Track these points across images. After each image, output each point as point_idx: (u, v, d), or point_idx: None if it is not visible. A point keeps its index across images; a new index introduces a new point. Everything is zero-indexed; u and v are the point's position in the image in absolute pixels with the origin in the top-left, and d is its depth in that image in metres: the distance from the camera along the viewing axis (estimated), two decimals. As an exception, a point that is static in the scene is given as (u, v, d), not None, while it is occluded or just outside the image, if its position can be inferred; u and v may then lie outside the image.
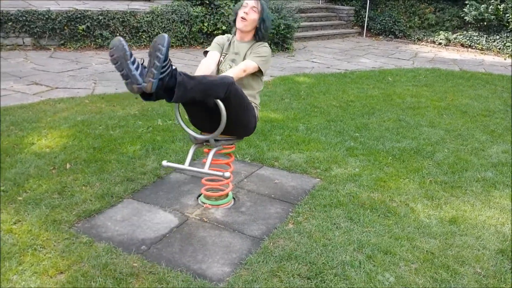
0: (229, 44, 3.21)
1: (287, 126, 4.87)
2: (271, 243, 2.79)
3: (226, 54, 3.19)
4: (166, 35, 2.37)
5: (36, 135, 4.23)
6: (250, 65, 2.99)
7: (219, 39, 3.25)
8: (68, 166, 3.65)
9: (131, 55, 2.35)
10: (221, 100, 2.66)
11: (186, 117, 3.02)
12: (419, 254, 2.74)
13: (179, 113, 2.95)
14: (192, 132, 2.93)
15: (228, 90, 2.64)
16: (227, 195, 3.27)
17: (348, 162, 4.05)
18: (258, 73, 3.08)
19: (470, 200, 3.47)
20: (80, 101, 5.38)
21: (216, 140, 2.92)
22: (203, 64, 3.07)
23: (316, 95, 6.22)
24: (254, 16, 3.06)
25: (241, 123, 2.94)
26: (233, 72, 2.92)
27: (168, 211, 3.12)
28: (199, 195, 3.33)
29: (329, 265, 2.59)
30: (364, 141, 4.57)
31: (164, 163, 2.86)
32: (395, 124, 5.14)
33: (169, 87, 2.47)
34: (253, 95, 3.11)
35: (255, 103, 3.11)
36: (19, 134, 4.22)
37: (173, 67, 2.50)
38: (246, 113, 2.93)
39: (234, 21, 3.14)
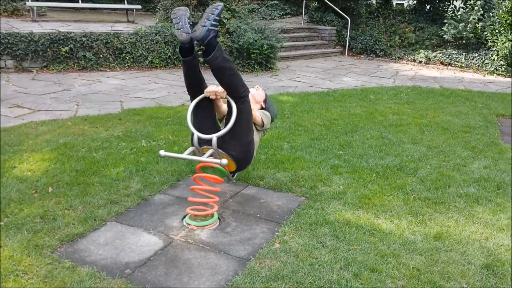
0: None
1: (271, 145, 4.89)
2: (258, 264, 2.77)
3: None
4: (221, 5, 2.97)
5: (18, 158, 4.17)
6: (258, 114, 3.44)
7: None
8: (50, 189, 3.60)
9: (188, 17, 3.01)
10: (235, 100, 3.10)
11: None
12: (405, 270, 2.75)
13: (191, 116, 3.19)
14: (197, 131, 3.13)
15: (245, 95, 3.13)
16: (212, 215, 3.25)
17: (333, 180, 4.07)
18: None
19: (454, 215, 3.50)
20: (63, 123, 5.33)
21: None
22: None
23: (300, 114, 6.26)
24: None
25: (243, 141, 3.20)
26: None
27: (152, 233, 3.09)
28: (184, 217, 3.30)
29: (316, 284, 2.58)
30: (348, 158, 4.60)
31: (162, 152, 3.05)
32: (378, 142, 5.19)
33: (210, 45, 2.94)
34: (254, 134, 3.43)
35: (255, 140, 3.42)
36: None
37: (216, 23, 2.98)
38: (249, 135, 3.24)
39: None
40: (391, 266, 2.79)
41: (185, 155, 3.08)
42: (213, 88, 3.17)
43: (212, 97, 3.19)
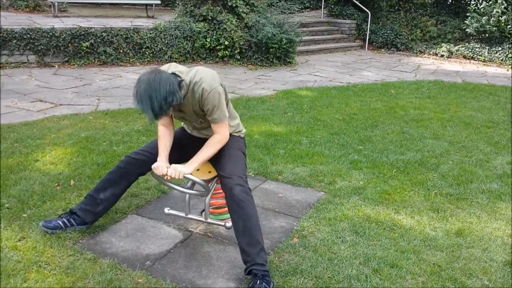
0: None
1: (290, 140, 4.87)
2: (276, 258, 2.77)
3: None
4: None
5: (40, 152, 4.24)
6: (224, 127, 2.69)
7: None
8: (72, 182, 3.66)
9: None
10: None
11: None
12: (426, 267, 2.72)
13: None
14: (178, 187, 2.88)
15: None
16: (231, 209, 3.25)
17: (352, 175, 4.04)
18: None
19: (476, 212, 3.44)
20: (84, 117, 5.40)
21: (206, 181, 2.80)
22: (163, 137, 2.81)
23: (319, 109, 6.23)
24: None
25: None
26: (218, 144, 2.69)
27: (172, 226, 3.11)
28: (203, 210, 3.31)
29: (335, 279, 2.57)
30: (368, 153, 4.56)
31: (166, 210, 2.99)
32: (398, 137, 5.13)
33: None
34: (233, 125, 2.90)
35: (240, 133, 2.97)
36: (23, 151, 4.24)
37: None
38: (239, 157, 2.84)
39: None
40: (411, 262, 2.76)
41: (188, 216, 2.98)
42: (163, 170, 2.59)
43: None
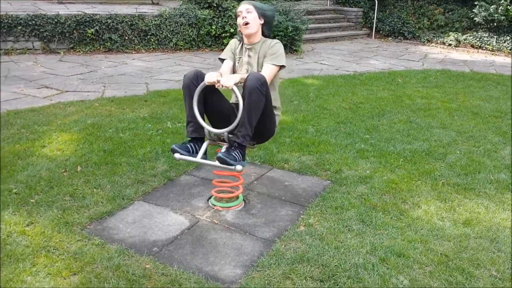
0: (241, 48, 3.28)
1: (296, 128, 4.85)
2: (283, 245, 2.77)
3: (240, 57, 3.26)
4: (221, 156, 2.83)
5: (47, 138, 4.25)
6: (269, 70, 3.09)
7: (232, 45, 3.32)
8: (79, 168, 3.66)
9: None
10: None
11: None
12: (433, 256, 2.71)
13: (197, 107, 2.95)
14: (207, 126, 2.99)
15: (265, 90, 2.86)
16: (237, 197, 3.26)
17: (359, 164, 4.02)
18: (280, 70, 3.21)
19: (483, 202, 3.43)
20: (90, 104, 5.40)
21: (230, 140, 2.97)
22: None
23: (325, 97, 6.19)
24: (253, 16, 3.13)
25: (261, 129, 3.05)
26: (257, 74, 2.91)
27: (179, 213, 3.12)
28: (210, 197, 3.32)
29: (342, 268, 2.57)
30: (374, 143, 4.54)
31: (177, 155, 2.97)
32: (405, 126, 5.10)
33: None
34: (275, 99, 3.22)
35: (277, 112, 3.26)
36: (30, 137, 4.24)
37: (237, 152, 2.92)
38: (268, 119, 3.08)
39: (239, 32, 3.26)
40: (418, 251, 2.75)
41: (199, 159, 2.97)
42: (213, 78, 2.86)
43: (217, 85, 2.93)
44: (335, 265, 2.59)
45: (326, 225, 3.00)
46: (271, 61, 3.12)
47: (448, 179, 3.79)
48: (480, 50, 11.43)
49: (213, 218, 3.07)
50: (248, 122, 2.86)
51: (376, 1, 12.79)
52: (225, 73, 3.13)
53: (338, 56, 9.81)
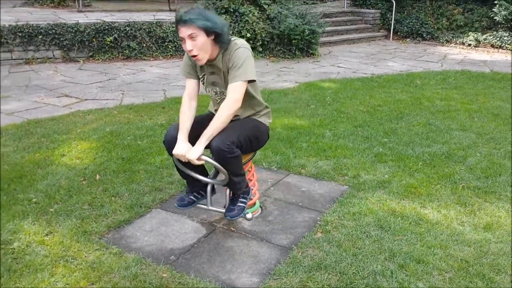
0: (201, 67, 2.76)
1: (313, 133, 4.83)
2: (300, 253, 2.75)
3: (203, 76, 2.80)
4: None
5: (67, 146, 4.31)
6: (238, 90, 2.58)
7: (188, 61, 2.79)
8: (97, 177, 3.71)
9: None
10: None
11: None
12: (453, 262, 2.66)
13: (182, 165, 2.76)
14: (202, 177, 2.84)
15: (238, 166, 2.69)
16: (254, 203, 3.25)
17: (377, 168, 3.98)
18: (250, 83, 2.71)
19: (504, 205, 3.35)
20: (109, 112, 5.47)
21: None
22: (184, 112, 2.77)
23: (342, 101, 6.15)
24: (199, 43, 2.50)
25: (254, 146, 2.91)
26: (227, 110, 2.58)
27: (195, 220, 3.13)
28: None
29: (360, 275, 2.54)
30: (393, 146, 4.49)
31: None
32: (424, 129, 5.03)
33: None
34: (258, 111, 2.91)
35: (264, 113, 2.94)
36: (50, 146, 4.32)
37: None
38: (261, 137, 2.89)
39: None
40: (438, 257, 2.70)
41: (210, 207, 2.95)
42: (181, 152, 2.57)
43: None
44: (353, 273, 2.56)
45: (344, 232, 2.97)
46: (234, 78, 2.57)
47: (468, 182, 3.72)
48: (500, 50, 11.21)
49: (230, 226, 3.07)
50: (234, 176, 2.70)
51: (394, 2, 12.67)
52: (192, 98, 2.79)
53: (356, 59, 9.74)
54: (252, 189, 3.08)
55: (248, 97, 2.78)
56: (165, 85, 6.93)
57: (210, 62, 2.67)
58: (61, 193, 3.40)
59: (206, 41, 2.51)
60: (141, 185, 3.58)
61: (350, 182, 3.71)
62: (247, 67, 2.58)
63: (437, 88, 7.03)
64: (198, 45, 2.50)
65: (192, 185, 2.94)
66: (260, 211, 3.27)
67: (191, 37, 2.48)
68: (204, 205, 2.96)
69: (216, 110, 2.79)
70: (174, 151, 2.60)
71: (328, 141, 4.59)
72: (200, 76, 2.83)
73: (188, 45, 2.51)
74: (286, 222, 3.12)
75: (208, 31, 2.50)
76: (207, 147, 2.62)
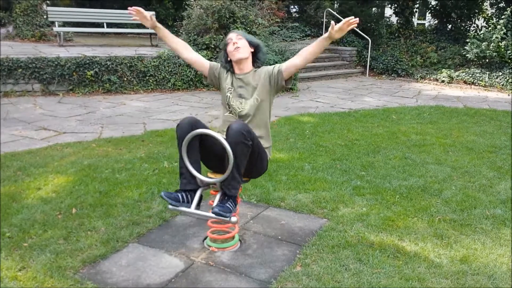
0: (232, 79, 3.13)
1: (292, 166, 4.87)
2: (279, 287, 2.73)
3: (231, 88, 3.11)
4: (216, 210, 2.78)
5: (43, 180, 4.25)
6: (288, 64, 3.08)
7: (217, 67, 3.21)
8: (74, 211, 3.65)
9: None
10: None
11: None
12: (431, 295, 2.67)
13: (187, 156, 2.91)
14: (199, 175, 2.92)
15: (251, 138, 2.78)
16: (233, 237, 3.23)
17: (355, 201, 4.02)
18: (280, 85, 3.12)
19: (480, 238, 3.41)
20: (87, 145, 5.43)
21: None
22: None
23: (321, 134, 6.24)
24: (243, 42, 3.06)
25: (252, 169, 3.00)
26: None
27: (173, 255, 3.09)
28: (205, 238, 3.30)
29: (338, 309, 2.53)
30: (370, 179, 4.55)
31: (170, 206, 2.89)
32: (401, 162, 5.12)
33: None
34: (266, 134, 3.14)
35: (267, 146, 3.14)
36: (25, 179, 4.25)
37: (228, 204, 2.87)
38: (260, 160, 3.00)
39: (226, 60, 3.14)
40: (416, 290, 2.72)
41: (193, 210, 2.92)
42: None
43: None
44: (332, 306, 2.55)
45: (323, 265, 2.97)
46: (280, 64, 3.09)
47: (444, 215, 3.78)
48: (473, 86, 11.60)
49: (208, 260, 3.04)
50: (237, 172, 2.82)
51: (370, 40, 13.08)
52: (191, 52, 3.22)
53: (333, 94, 9.94)
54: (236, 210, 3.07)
55: (263, 116, 3.10)
56: (145, 118, 6.94)
57: (241, 75, 3.11)
58: (36, 228, 3.33)
59: (248, 46, 3.09)
60: (118, 219, 3.53)
61: (329, 215, 3.74)
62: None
63: (413, 122, 7.20)
64: (242, 43, 3.06)
65: (185, 182, 2.94)
66: (239, 244, 3.25)
67: (238, 37, 3.07)
68: (188, 208, 2.91)
69: (223, 131, 2.97)
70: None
71: (307, 174, 4.63)
72: (228, 87, 3.13)
73: (234, 39, 3.05)
74: (265, 256, 3.11)
75: (250, 43, 3.12)
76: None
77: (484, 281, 2.83)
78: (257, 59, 3.15)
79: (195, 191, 2.97)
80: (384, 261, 3.03)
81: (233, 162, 2.73)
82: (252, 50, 3.12)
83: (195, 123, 2.86)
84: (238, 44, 3.03)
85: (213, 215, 2.81)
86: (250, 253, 3.14)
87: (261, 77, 3.08)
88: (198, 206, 2.94)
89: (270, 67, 3.12)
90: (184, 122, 2.87)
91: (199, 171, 2.93)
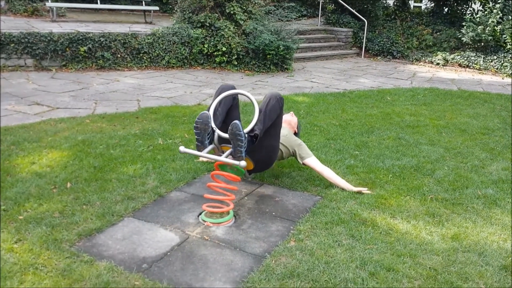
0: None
1: (287, 145, 4.88)
2: (273, 261, 2.77)
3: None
4: (237, 122, 3.08)
5: (37, 154, 4.24)
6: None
7: None
8: (68, 185, 3.65)
9: (209, 132, 3.20)
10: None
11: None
12: (422, 270, 2.73)
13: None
14: (218, 130, 3.33)
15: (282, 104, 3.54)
16: (228, 212, 3.26)
17: (349, 180, 4.05)
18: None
19: (471, 217, 3.46)
20: (81, 120, 5.40)
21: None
22: None
23: (315, 114, 6.25)
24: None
25: (266, 144, 3.46)
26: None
27: (169, 229, 3.11)
28: (200, 213, 3.32)
29: (332, 283, 2.57)
30: (364, 159, 4.58)
31: (181, 148, 3.17)
32: (394, 142, 5.16)
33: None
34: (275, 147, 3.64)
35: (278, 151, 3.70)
36: (20, 153, 4.23)
37: (246, 137, 3.18)
38: (274, 140, 3.55)
39: None
40: (407, 266, 2.77)
41: (204, 153, 3.16)
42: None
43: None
44: (325, 280, 2.59)
45: (316, 240, 3.01)
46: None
47: (436, 194, 3.83)
48: (467, 69, 11.63)
49: (203, 234, 3.07)
50: (263, 120, 3.31)
51: (366, 22, 13.01)
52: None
53: (328, 75, 9.92)
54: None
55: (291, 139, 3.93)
56: (139, 95, 6.90)
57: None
58: (31, 201, 3.33)
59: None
60: (113, 194, 3.54)
61: (323, 193, 3.77)
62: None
63: (407, 104, 7.22)
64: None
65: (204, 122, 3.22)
66: (233, 220, 3.28)
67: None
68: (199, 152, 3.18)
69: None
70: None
71: (301, 153, 4.64)
72: None
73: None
74: (259, 231, 3.14)
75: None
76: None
77: (474, 258, 2.89)
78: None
79: (208, 135, 3.23)
80: (376, 238, 3.07)
81: (263, 109, 3.37)
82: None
83: (235, 88, 3.61)
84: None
85: (224, 159, 3.09)
86: (244, 228, 3.18)
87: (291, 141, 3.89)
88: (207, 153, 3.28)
89: (302, 150, 3.89)
90: (228, 84, 3.58)
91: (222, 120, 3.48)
